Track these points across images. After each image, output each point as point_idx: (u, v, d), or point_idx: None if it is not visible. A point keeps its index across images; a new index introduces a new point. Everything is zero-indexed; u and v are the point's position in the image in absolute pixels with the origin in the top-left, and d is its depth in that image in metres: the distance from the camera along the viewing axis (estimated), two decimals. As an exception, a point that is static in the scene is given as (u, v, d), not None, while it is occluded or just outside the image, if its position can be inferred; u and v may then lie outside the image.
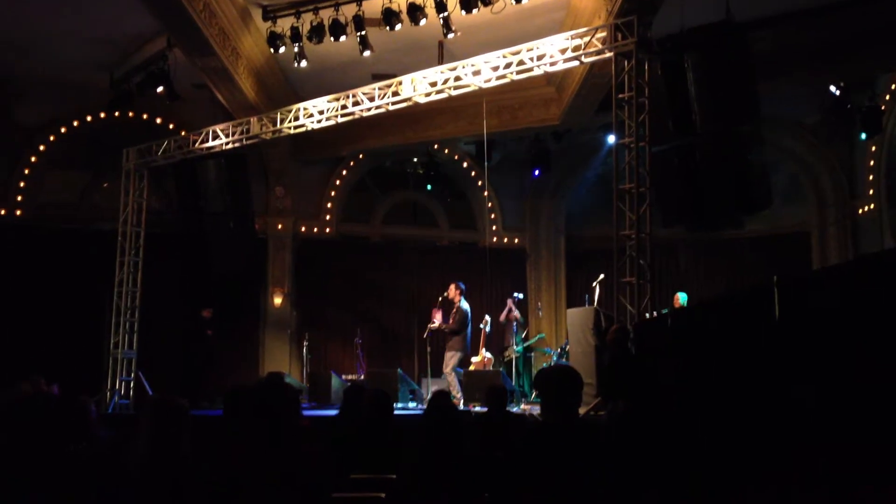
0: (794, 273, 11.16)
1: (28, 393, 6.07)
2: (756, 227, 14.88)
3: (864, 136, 13.38)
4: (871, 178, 14.16)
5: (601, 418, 8.14)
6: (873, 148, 13.90)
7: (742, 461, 4.71)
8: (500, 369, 12.91)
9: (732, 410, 5.15)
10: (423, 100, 10.98)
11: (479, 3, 9.91)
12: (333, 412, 8.73)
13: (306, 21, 10.92)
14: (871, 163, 14.09)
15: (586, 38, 9.53)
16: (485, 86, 10.43)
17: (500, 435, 5.91)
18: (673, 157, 9.39)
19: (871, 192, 14.19)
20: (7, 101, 14.16)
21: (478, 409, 10.50)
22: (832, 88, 13.14)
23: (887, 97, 13.27)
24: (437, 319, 12.17)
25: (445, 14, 10.09)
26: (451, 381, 11.87)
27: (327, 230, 16.46)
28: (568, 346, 11.92)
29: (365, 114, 11.37)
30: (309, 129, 11.88)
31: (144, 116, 14.67)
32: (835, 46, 11.52)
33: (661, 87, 9.19)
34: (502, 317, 14.20)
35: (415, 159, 16.54)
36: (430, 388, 12.18)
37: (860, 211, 14.56)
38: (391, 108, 11.18)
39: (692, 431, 5.68)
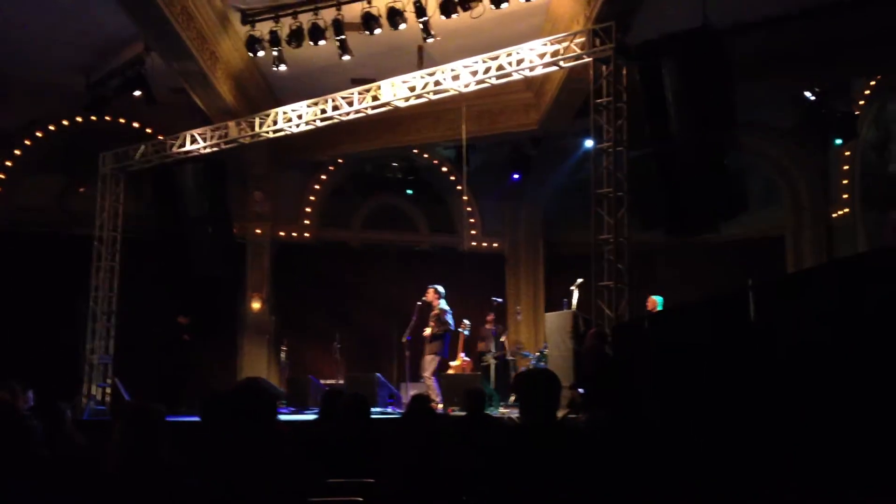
0: (768, 277, 11.26)
1: (3, 398, 5.99)
2: (732, 232, 14.94)
3: (839, 141, 13.53)
4: (845, 182, 14.31)
5: (579, 422, 8.15)
6: (847, 153, 14.05)
7: (724, 466, 4.75)
8: (479, 373, 12.92)
9: (711, 414, 5.19)
10: (402, 104, 10.99)
11: (459, 8, 9.95)
12: (312, 416, 8.71)
13: (285, 25, 10.90)
14: (846, 167, 14.24)
15: (565, 44, 9.59)
16: (464, 90, 10.46)
17: (479, 438, 5.91)
18: (650, 161, 9.45)
19: (845, 196, 14.34)
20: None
21: (456, 412, 10.50)
22: (807, 93, 13.27)
23: (861, 102, 13.43)
24: (428, 330, 12.13)
25: (425, 19, 10.12)
26: (430, 385, 11.87)
27: (306, 235, 16.42)
28: (547, 350, 11.96)
29: (344, 118, 11.37)
30: (288, 133, 11.86)
31: (122, 120, 14.57)
32: (810, 52, 11.64)
33: (639, 92, 9.26)
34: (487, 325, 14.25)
35: (394, 164, 16.54)
36: (410, 392, 12.17)
37: (834, 215, 14.71)
38: (371, 112, 11.19)
39: (672, 437, 5.71)
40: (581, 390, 9.13)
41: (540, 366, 12.76)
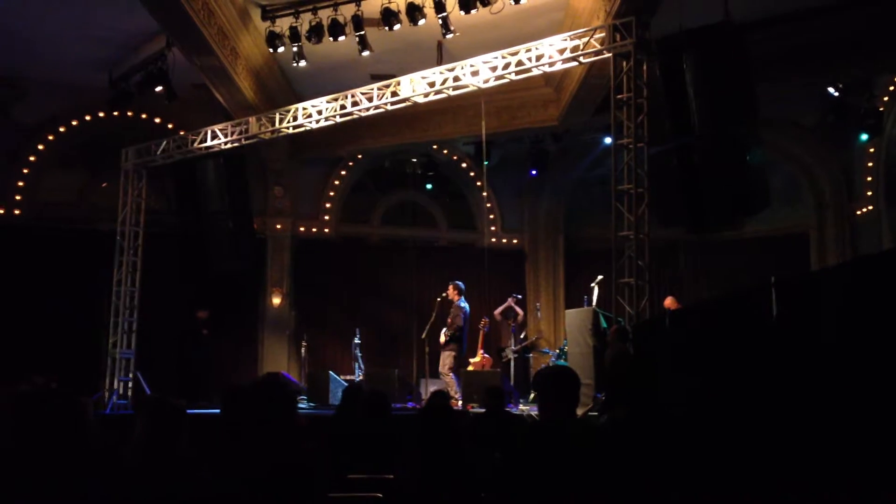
0: (791, 274, 11.16)
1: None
2: (754, 229, 14.90)
3: (863, 137, 13.38)
4: (869, 179, 14.16)
5: (599, 420, 8.13)
6: (871, 149, 13.90)
7: (745, 464, 4.72)
8: (499, 370, 12.91)
9: (734, 412, 5.16)
10: (421, 100, 10.98)
11: (478, 4, 9.91)
12: (331, 412, 8.74)
13: (305, 21, 10.91)
14: (870, 164, 14.09)
15: (585, 39, 9.54)
16: (483, 86, 10.44)
17: (498, 435, 5.91)
18: (671, 157, 9.38)
19: (869, 193, 14.19)
20: (6, 100, 14.14)
21: (476, 409, 10.50)
22: (830, 89, 13.13)
23: (886, 98, 13.27)
24: (442, 337, 12.14)
25: (444, 14, 10.09)
26: (448, 381, 11.87)
27: (326, 230, 16.46)
28: (566, 347, 11.92)
29: (364, 114, 11.38)
30: (308, 129, 11.88)
31: (143, 116, 14.66)
32: (833, 47, 11.51)
33: (660, 88, 9.20)
34: (498, 312, 14.19)
35: (414, 160, 16.54)
36: (429, 388, 12.19)
37: (858, 212, 14.55)
38: (390, 108, 11.19)
39: (693, 435, 5.68)
40: (599, 395, 9.12)
41: (560, 363, 12.75)
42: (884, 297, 3.40)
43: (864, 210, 14.35)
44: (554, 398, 3.96)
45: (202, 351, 13.67)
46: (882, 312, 3.39)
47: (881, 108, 13.14)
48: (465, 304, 12.08)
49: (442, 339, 12.10)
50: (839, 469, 3.67)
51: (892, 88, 13.14)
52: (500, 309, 14.24)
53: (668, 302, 12.22)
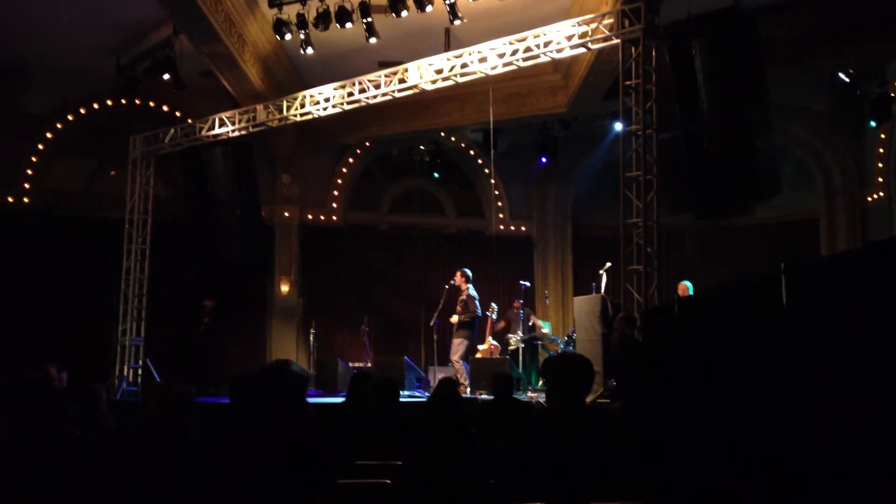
0: (801, 260, 11.10)
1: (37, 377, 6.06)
2: (764, 215, 14.86)
3: (873, 123, 13.28)
4: (880, 165, 14.08)
5: (609, 407, 8.12)
6: (882, 135, 13.81)
7: (754, 450, 4.71)
8: (507, 357, 12.91)
9: (743, 399, 5.14)
10: (429, 87, 10.95)
11: (486, -10, 9.87)
12: (340, 399, 8.75)
13: (312, 8, 10.88)
14: (881, 150, 14.00)
15: (593, 25, 9.48)
16: (491, 73, 10.39)
17: (506, 422, 5.91)
18: (680, 144, 9.35)
19: (880, 179, 14.11)
20: (14, 89, 14.16)
21: (484, 396, 10.51)
22: (841, 75, 13.03)
23: (897, 83, 13.19)
24: (455, 318, 12.15)
25: (452, 1, 10.05)
26: (458, 368, 11.89)
27: (334, 218, 16.46)
28: (575, 335, 11.89)
29: (371, 101, 11.35)
30: (315, 116, 11.86)
31: (151, 104, 14.65)
32: (844, 33, 11.42)
33: (669, 74, 9.15)
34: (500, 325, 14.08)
35: (421, 147, 16.50)
36: (437, 375, 12.20)
37: (869, 198, 14.48)
38: (397, 95, 11.16)
39: (704, 423, 5.67)
40: (612, 381, 9.10)
41: (569, 350, 12.74)
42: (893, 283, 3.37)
43: (875, 196, 14.27)
44: (565, 386, 3.96)
45: (206, 339, 13.65)
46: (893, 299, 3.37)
47: (892, 94, 13.04)
48: (474, 292, 12.09)
49: (454, 319, 12.11)
50: (846, 454, 3.66)
51: (903, 74, 13.05)
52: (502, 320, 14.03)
53: (682, 288, 12.19)
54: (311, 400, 11.04)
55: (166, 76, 12.41)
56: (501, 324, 14.01)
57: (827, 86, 13.62)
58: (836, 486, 3.60)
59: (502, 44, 10.08)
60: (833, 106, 14.49)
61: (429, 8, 10.25)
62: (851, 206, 14.78)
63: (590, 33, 9.50)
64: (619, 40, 9.25)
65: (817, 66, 12.48)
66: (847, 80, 13.08)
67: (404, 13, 10.39)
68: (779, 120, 14.20)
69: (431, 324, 12.72)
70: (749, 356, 5.11)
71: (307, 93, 11.80)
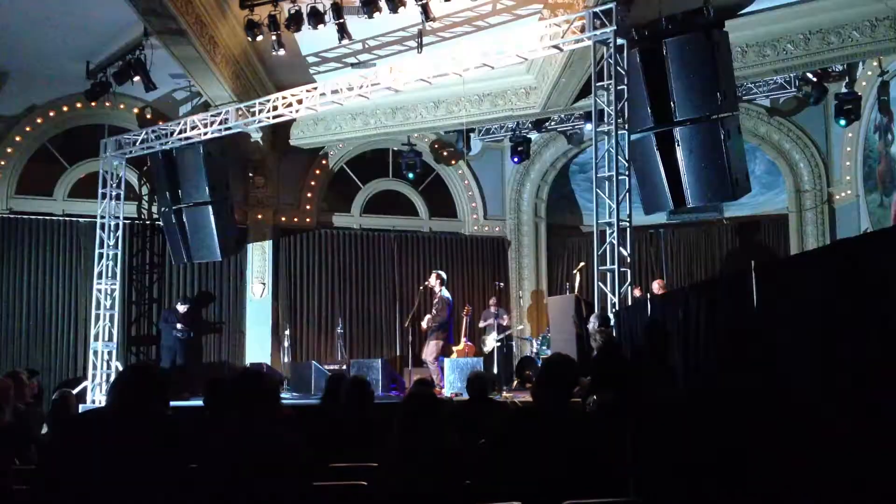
0: (771, 258, 11.23)
1: (7, 386, 6.01)
2: (735, 214, 15.08)
3: (842, 122, 13.44)
4: (847, 164, 14.27)
5: (586, 403, 8.17)
6: (850, 134, 14.00)
7: (729, 447, 4.76)
8: (482, 357, 12.94)
9: (717, 395, 5.20)
10: (402, 88, 10.95)
11: (458, -8, 9.89)
12: (315, 401, 8.74)
13: (284, 9, 10.84)
14: (848, 149, 14.19)
15: (565, 26, 9.54)
16: (464, 74, 10.42)
17: (482, 422, 5.93)
18: (652, 144, 9.44)
19: (847, 178, 14.30)
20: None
21: (459, 396, 10.53)
22: (809, 75, 13.20)
23: (864, 83, 13.35)
24: (425, 323, 12.19)
25: (424, 2, 10.06)
26: (432, 369, 11.91)
27: (307, 220, 16.39)
28: (549, 334, 11.96)
29: (344, 103, 11.33)
30: (288, 118, 11.83)
31: (122, 106, 14.49)
32: (811, 33, 11.56)
33: (640, 74, 9.23)
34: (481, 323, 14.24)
35: (394, 149, 16.50)
36: (413, 377, 12.20)
37: (837, 196, 14.68)
38: (370, 97, 11.15)
39: (677, 417, 5.73)
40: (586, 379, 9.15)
41: (543, 349, 12.82)
42: (862, 280, 3.43)
43: (843, 195, 14.47)
44: (554, 385, 4.03)
45: (181, 342, 13.49)
46: (860, 296, 3.42)
47: (859, 94, 13.22)
48: (447, 295, 12.10)
49: (424, 325, 12.15)
50: (815, 452, 3.72)
51: (870, 74, 13.22)
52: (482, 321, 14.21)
53: (657, 286, 12.30)
54: (286, 402, 11.01)
55: (136, 78, 12.29)
56: (478, 324, 14.05)
57: (795, 86, 13.78)
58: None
59: (475, 45, 10.11)
60: (801, 105, 14.69)
61: (401, 9, 10.26)
62: (820, 204, 14.99)
63: (562, 34, 9.56)
64: (590, 41, 9.31)
65: (785, 66, 12.61)
66: (815, 79, 13.27)
67: (377, 14, 10.38)
68: (747, 119, 14.42)
69: (406, 325, 12.72)
70: (722, 352, 5.18)
71: (279, 95, 11.76)
